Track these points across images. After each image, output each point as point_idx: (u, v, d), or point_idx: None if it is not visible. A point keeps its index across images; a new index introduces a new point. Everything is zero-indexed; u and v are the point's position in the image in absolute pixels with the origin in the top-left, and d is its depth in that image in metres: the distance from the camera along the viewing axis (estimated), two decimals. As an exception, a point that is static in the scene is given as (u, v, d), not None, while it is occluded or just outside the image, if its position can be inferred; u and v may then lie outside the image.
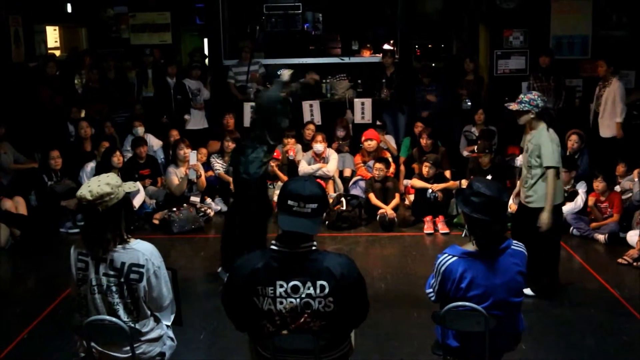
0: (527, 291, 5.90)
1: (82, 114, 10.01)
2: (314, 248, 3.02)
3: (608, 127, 8.99)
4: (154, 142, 9.72)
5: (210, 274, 6.67)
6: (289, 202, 2.97)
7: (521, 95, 5.81)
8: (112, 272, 3.38)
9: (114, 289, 3.39)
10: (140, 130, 9.48)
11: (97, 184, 3.34)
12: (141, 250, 3.41)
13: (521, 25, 10.83)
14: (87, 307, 3.44)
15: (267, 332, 3.03)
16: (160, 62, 10.90)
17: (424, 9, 13.30)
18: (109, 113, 10.31)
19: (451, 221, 8.16)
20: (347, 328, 3.19)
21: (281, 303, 2.97)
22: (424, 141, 9.02)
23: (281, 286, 2.97)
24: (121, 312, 3.42)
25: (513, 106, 5.75)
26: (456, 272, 3.39)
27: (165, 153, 9.71)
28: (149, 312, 3.51)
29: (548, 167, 5.64)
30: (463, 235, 7.47)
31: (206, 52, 12.70)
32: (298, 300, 2.97)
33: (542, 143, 5.67)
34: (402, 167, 9.50)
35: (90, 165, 8.70)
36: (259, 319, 3.03)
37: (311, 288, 2.96)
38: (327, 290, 2.95)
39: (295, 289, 2.96)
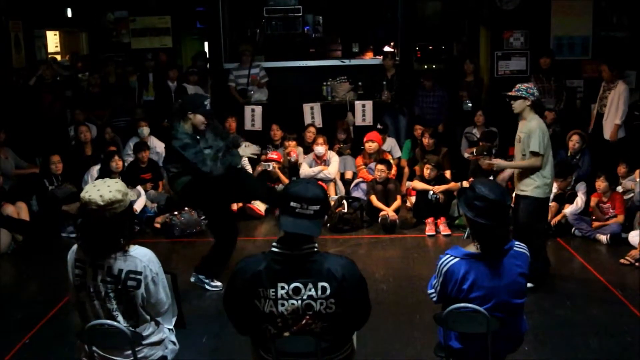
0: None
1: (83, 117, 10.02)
2: (315, 250, 3.02)
3: (612, 129, 8.98)
4: (158, 145, 9.72)
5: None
6: (292, 203, 2.97)
7: (518, 85, 6.02)
8: (109, 279, 3.36)
9: (112, 295, 3.37)
10: (146, 130, 9.50)
11: (107, 189, 3.29)
12: (138, 257, 3.39)
13: (521, 26, 10.82)
14: (86, 313, 3.43)
15: (269, 334, 3.03)
16: (163, 65, 10.90)
17: (425, 10, 13.31)
18: (110, 118, 10.33)
19: (453, 223, 8.15)
20: (349, 330, 3.18)
21: (283, 305, 2.97)
22: (426, 140, 9.03)
23: (282, 288, 2.96)
24: (120, 319, 3.40)
25: (511, 92, 5.95)
26: (458, 273, 3.38)
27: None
28: (148, 317, 3.50)
29: (532, 152, 5.86)
30: (465, 237, 7.45)
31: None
32: (299, 302, 2.96)
33: (532, 130, 5.85)
34: (406, 169, 9.50)
35: (96, 169, 8.70)
36: (260, 321, 3.03)
37: (312, 290, 2.96)
38: (328, 291, 2.95)
39: (296, 290, 2.96)
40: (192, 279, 6.26)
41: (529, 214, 5.97)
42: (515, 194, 6.10)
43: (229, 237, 6.26)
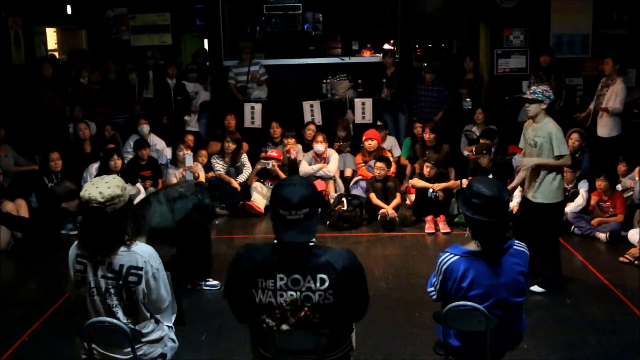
0: (536, 288, 5.92)
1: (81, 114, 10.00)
2: (313, 244, 3.02)
3: (605, 126, 8.99)
4: (158, 142, 9.72)
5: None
6: (281, 211, 2.96)
7: (533, 87, 5.91)
8: (110, 275, 3.36)
9: (112, 291, 3.38)
10: (146, 128, 9.48)
11: (106, 186, 3.30)
12: (139, 253, 3.40)
13: (521, 24, 10.83)
14: (87, 309, 3.44)
15: (266, 327, 3.03)
16: (159, 62, 10.90)
17: (424, 8, 13.30)
18: (110, 115, 10.33)
19: (452, 220, 8.15)
20: (348, 321, 3.18)
21: (281, 296, 2.98)
22: (427, 135, 9.03)
23: (281, 279, 2.97)
24: (120, 315, 3.41)
25: (527, 95, 5.84)
26: (457, 271, 3.38)
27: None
28: (148, 314, 3.50)
29: (559, 156, 5.75)
30: (466, 235, 7.44)
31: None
32: (298, 293, 2.97)
33: (553, 134, 5.75)
34: (409, 166, 9.49)
35: (95, 166, 8.70)
36: (258, 313, 3.03)
37: (311, 281, 2.96)
38: (327, 283, 2.95)
39: (295, 282, 2.96)
40: (188, 286, 6.24)
41: (544, 219, 5.88)
42: (525, 200, 6.03)
43: (203, 241, 6.30)
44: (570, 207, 7.76)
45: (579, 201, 7.79)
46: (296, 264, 2.98)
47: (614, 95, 8.87)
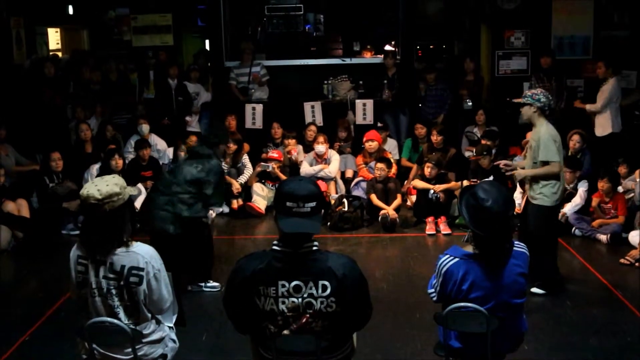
0: (536, 290, 5.92)
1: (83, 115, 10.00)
2: (315, 248, 3.02)
3: (602, 125, 9.00)
4: (159, 142, 9.72)
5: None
6: (288, 203, 2.96)
7: (526, 91, 5.94)
8: (112, 275, 3.37)
9: (114, 292, 3.39)
10: (145, 128, 9.48)
11: (105, 184, 3.33)
12: (141, 253, 3.41)
13: (522, 25, 10.83)
14: (88, 309, 3.44)
15: (269, 333, 3.03)
16: (163, 64, 10.91)
17: (426, 9, 13.31)
18: (111, 115, 10.33)
19: (453, 222, 8.14)
20: (350, 330, 3.18)
21: (283, 303, 2.97)
22: (434, 137, 9.04)
23: (283, 286, 2.96)
24: (121, 315, 3.42)
25: (517, 99, 5.88)
26: (457, 273, 3.38)
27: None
28: (149, 315, 3.51)
29: (542, 162, 5.75)
30: (464, 240, 7.42)
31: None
32: (300, 299, 2.96)
33: (541, 137, 5.75)
34: (414, 167, 9.48)
35: (96, 167, 8.70)
36: (261, 320, 3.03)
37: (313, 288, 2.95)
38: (329, 290, 2.95)
39: (297, 288, 2.96)
40: (189, 287, 6.25)
41: (537, 221, 5.88)
42: (527, 201, 6.06)
43: (205, 242, 6.31)
44: (567, 207, 7.75)
45: (577, 201, 7.79)
46: (298, 269, 2.97)
47: (603, 94, 8.91)
